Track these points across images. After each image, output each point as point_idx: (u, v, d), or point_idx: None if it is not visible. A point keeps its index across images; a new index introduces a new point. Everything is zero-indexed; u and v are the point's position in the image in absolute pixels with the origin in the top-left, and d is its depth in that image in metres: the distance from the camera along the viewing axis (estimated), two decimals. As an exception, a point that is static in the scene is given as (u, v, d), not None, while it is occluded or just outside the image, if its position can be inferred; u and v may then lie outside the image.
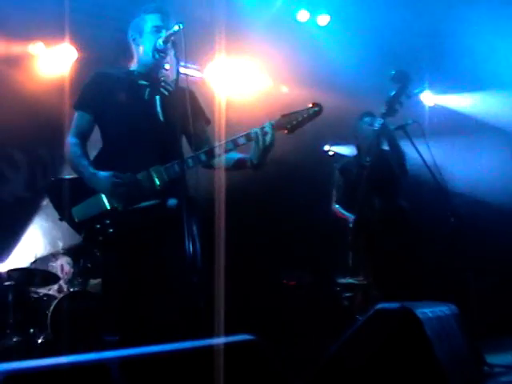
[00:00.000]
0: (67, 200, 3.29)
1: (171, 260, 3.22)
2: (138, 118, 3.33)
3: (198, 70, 6.45)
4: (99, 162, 3.30)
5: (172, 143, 3.07)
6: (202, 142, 3.40)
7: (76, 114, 3.41)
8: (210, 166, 3.38)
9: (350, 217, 4.91)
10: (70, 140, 3.35)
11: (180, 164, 3.13)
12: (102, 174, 3.22)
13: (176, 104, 3.09)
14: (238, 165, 3.37)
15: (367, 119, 5.09)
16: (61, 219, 3.31)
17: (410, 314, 3.02)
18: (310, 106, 3.28)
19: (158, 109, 3.36)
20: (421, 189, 5.56)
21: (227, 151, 3.27)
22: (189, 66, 5.61)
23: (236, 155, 3.36)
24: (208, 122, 3.58)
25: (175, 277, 3.20)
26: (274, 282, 6.46)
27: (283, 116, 3.25)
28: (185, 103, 3.05)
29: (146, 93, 3.38)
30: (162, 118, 3.34)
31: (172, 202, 3.22)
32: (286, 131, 3.26)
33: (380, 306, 3.15)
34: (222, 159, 3.33)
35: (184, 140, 3.38)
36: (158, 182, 3.20)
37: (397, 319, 3.02)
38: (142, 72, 3.44)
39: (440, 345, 3.11)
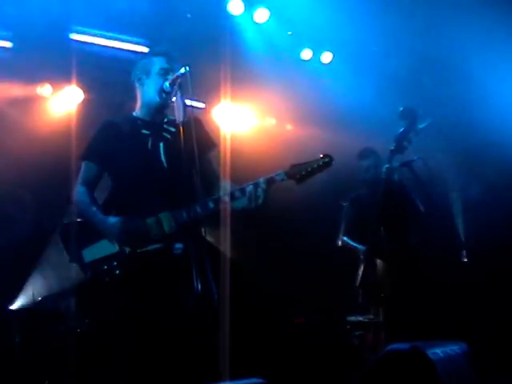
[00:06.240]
0: (78, 242, 3.34)
1: (177, 302, 3.24)
2: (144, 167, 3.39)
3: (204, 109, 6.51)
4: (109, 209, 3.36)
5: (179, 188, 3.13)
6: (210, 182, 3.44)
7: (83, 164, 3.49)
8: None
9: (361, 248, 4.87)
10: (78, 189, 3.44)
11: (188, 211, 3.20)
12: (111, 219, 3.28)
13: (180, 147, 3.14)
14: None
15: (364, 163, 5.10)
16: (71, 260, 3.36)
17: (422, 355, 2.98)
18: (321, 156, 3.28)
19: (162, 157, 3.41)
20: (429, 225, 5.54)
21: (235, 199, 3.27)
22: (195, 105, 5.65)
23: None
24: (214, 146, 3.61)
25: (182, 317, 3.21)
26: (282, 320, 6.40)
27: (293, 166, 3.25)
28: (190, 143, 3.10)
29: (149, 142, 3.44)
30: (165, 165, 3.40)
31: (178, 246, 3.27)
32: (295, 181, 3.25)
33: (391, 347, 3.12)
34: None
35: None
36: (166, 228, 3.25)
37: (408, 361, 2.99)
38: (144, 119, 3.50)
39: (452, 385, 3.07)
